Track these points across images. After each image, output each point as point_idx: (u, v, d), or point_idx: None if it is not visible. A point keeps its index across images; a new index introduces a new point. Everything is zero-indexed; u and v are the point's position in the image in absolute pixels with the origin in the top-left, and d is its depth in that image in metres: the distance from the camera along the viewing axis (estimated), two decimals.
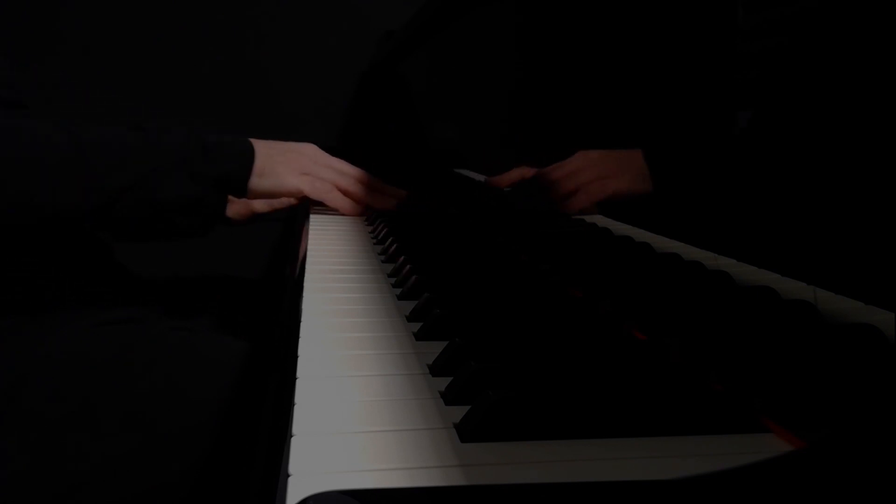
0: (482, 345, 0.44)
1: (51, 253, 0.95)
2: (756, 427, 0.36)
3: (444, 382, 0.41)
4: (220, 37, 1.83)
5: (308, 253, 0.80)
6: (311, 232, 0.92)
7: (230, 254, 1.84)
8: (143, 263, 1.11)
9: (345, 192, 1.03)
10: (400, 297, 0.61)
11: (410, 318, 0.55)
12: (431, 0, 1.17)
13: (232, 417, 0.78)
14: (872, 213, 0.37)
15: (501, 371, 0.39)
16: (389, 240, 0.82)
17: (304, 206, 1.09)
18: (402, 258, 0.70)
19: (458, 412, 0.37)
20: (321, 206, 1.05)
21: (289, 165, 0.98)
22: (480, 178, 1.21)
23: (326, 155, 1.04)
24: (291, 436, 0.35)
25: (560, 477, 0.32)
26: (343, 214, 1.03)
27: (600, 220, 0.76)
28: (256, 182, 0.96)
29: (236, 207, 1.19)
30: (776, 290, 0.47)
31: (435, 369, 0.44)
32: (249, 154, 0.96)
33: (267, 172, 0.97)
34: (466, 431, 0.35)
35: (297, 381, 0.42)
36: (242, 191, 0.95)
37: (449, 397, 0.40)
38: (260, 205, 1.22)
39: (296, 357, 0.46)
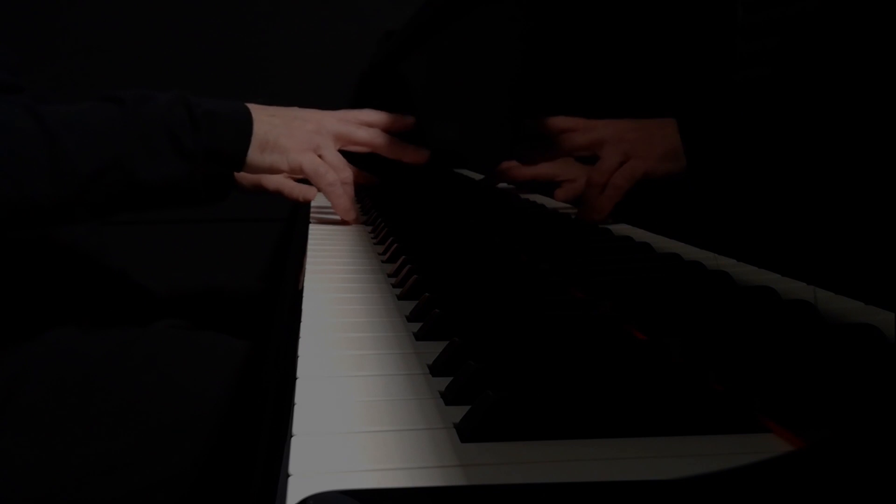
0: (482, 345, 0.44)
1: (47, 257, 0.95)
2: (756, 427, 0.36)
3: (444, 382, 0.41)
4: (220, 37, 1.83)
5: (308, 253, 0.80)
6: (311, 232, 0.92)
7: (230, 253, 1.84)
8: (142, 263, 1.11)
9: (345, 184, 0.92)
10: (400, 297, 0.61)
11: (410, 318, 0.55)
12: (431, 0, 1.17)
13: (232, 417, 0.79)
14: (872, 213, 0.37)
15: (501, 371, 0.39)
16: (389, 240, 0.82)
17: (305, 206, 1.08)
18: (403, 258, 0.70)
19: (458, 412, 0.37)
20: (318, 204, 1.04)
21: (293, 138, 0.87)
22: (480, 178, 1.21)
23: (334, 120, 0.93)
24: (291, 436, 0.35)
25: (560, 477, 0.32)
26: (337, 213, 0.96)
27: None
28: (257, 157, 0.85)
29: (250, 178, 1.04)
30: (776, 290, 0.47)
31: (435, 369, 0.44)
32: (247, 124, 0.84)
33: (269, 146, 0.85)
34: (466, 431, 0.35)
35: (297, 381, 0.42)
36: (239, 166, 0.85)
37: (449, 397, 0.40)
38: (269, 181, 1.04)
39: (296, 357, 0.46)
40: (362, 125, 0.96)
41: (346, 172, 0.93)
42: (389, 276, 0.70)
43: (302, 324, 0.53)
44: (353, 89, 1.88)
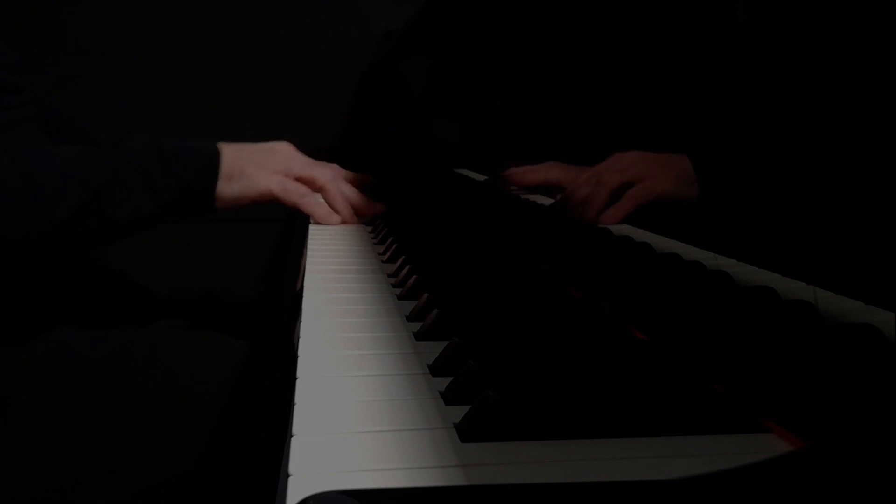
0: (482, 345, 0.44)
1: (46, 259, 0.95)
2: (756, 427, 0.36)
3: (444, 382, 0.41)
4: (220, 37, 1.83)
5: (308, 253, 0.80)
6: (311, 232, 0.92)
7: (230, 253, 1.84)
8: (142, 263, 1.11)
9: (320, 190, 0.95)
10: (400, 297, 0.61)
11: (410, 318, 0.55)
12: (431, 0, 1.17)
13: (232, 417, 0.79)
14: (872, 213, 0.37)
15: (501, 371, 0.39)
16: (389, 240, 0.82)
17: None
18: (403, 258, 0.70)
19: (458, 412, 0.37)
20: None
21: (259, 165, 0.89)
22: (481, 178, 1.21)
23: (302, 154, 0.96)
24: (291, 436, 0.35)
25: (560, 477, 0.32)
26: (319, 222, 0.96)
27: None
28: (225, 187, 0.87)
29: None
30: (776, 290, 0.47)
31: (435, 369, 0.44)
32: (214, 159, 0.87)
33: (236, 175, 0.88)
34: (466, 431, 0.35)
35: (297, 381, 0.42)
36: (209, 200, 0.87)
37: (449, 397, 0.40)
38: None
39: (296, 357, 0.46)
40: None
41: (326, 171, 0.95)
42: (389, 276, 0.70)
43: (302, 324, 0.53)
44: (353, 89, 1.88)
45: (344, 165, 1.27)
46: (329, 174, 0.96)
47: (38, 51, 1.72)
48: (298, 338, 0.50)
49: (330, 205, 0.97)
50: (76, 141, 0.86)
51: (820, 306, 0.42)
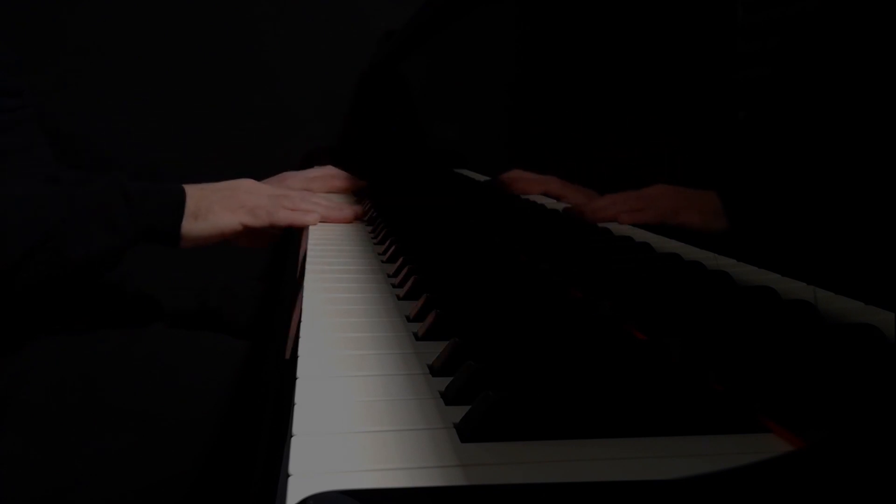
0: (482, 345, 0.44)
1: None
2: (756, 427, 0.36)
3: (444, 382, 0.41)
4: (220, 37, 1.83)
5: (308, 253, 0.80)
6: (310, 232, 0.92)
7: (230, 253, 1.84)
8: (142, 262, 1.11)
9: (295, 210, 0.96)
10: (400, 298, 0.61)
11: (411, 319, 0.55)
12: (431, 0, 1.17)
13: (232, 417, 0.79)
14: (872, 213, 0.37)
15: (501, 371, 0.39)
16: (389, 240, 0.82)
17: None
18: (402, 258, 0.70)
19: (458, 412, 0.37)
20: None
21: (224, 203, 0.91)
22: (481, 178, 1.21)
23: (266, 186, 0.98)
24: (291, 436, 0.35)
25: (560, 477, 0.32)
26: (298, 225, 0.97)
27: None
28: (191, 226, 0.89)
29: None
30: (776, 290, 0.47)
31: (435, 369, 0.44)
32: (180, 198, 0.88)
33: (202, 214, 0.90)
34: (466, 431, 0.35)
35: (297, 381, 0.42)
36: (175, 237, 0.88)
37: (449, 397, 0.40)
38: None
39: (296, 357, 0.46)
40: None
41: (293, 194, 0.97)
42: (389, 276, 0.70)
43: (302, 324, 0.53)
44: (353, 89, 1.88)
45: (344, 165, 1.27)
46: (296, 194, 0.98)
47: (38, 51, 1.72)
48: (298, 338, 0.50)
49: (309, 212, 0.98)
50: (41, 178, 0.86)
51: (820, 306, 0.42)
